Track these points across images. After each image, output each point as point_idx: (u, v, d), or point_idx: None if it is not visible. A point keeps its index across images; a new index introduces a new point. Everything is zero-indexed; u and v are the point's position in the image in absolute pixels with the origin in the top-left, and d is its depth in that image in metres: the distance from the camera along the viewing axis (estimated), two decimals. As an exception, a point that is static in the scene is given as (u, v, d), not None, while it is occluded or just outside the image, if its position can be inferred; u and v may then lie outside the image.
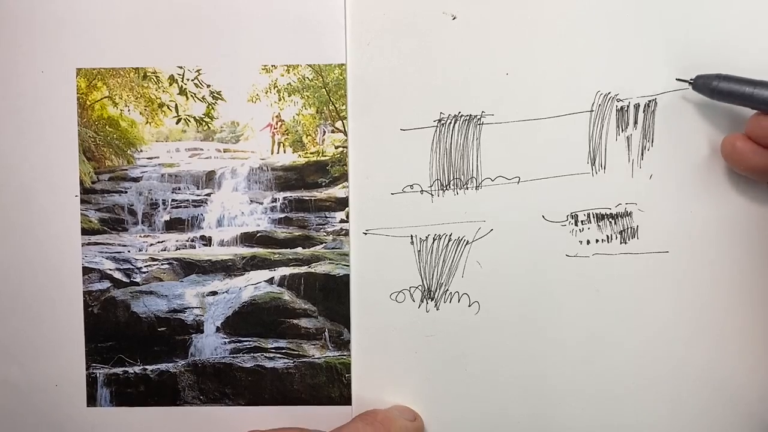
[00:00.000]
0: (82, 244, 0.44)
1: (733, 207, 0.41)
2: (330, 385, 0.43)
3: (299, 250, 0.43)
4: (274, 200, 0.44)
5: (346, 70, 0.42)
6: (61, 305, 0.44)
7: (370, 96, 0.42)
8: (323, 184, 0.43)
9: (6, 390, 0.44)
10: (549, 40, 0.41)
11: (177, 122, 0.44)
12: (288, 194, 0.44)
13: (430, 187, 0.42)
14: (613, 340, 0.42)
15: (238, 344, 0.43)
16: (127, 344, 0.44)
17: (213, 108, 0.43)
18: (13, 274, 0.44)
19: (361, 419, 0.39)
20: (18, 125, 0.43)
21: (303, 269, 0.43)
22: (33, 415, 0.44)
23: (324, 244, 0.43)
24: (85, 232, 0.44)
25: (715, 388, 0.41)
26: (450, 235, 0.42)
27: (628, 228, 0.41)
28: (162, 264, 0.44)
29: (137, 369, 0.44)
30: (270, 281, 0.43)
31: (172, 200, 0.44)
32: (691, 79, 0.39)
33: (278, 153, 0.44)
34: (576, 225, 0.42)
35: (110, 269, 0.44)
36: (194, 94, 0.43)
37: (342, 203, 0.43)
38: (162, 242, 0.44)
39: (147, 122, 0.44)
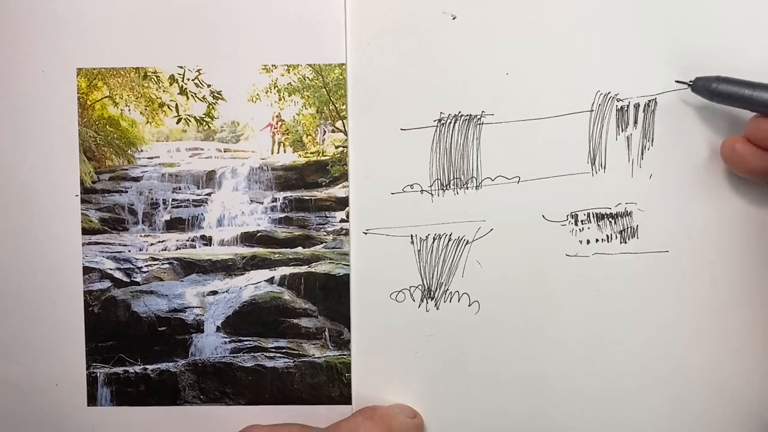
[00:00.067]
0: (83, 244, 0.44)
1: (733, 207, 0.41)
2: (330, 385, 0.43)
3: (299, 249, 0.43)
4: (275, 200, 0.44)
5: (346, 70, 0.42)
6: (61, 305, 0.44)
7: (370, 96, 0.42)
8: (323, 183, 0.43)
9: (6, 389, 0.44)
10: (549, 40, 0.41)
11: (177, 122, 0.44)
12: (288, 194, 0.44)
13: (430, 186, 0.42)
14: (613, 340, 0.42)
15: (239, 344, 0.43)
16: (128, 344, 0.44)
17: (213, 108, 0.43)
18: (13, 274, 0.44)
19: (361, 414, 0.39)
20: (18, 125, 0.43)
21: (303, 269, 0.43)
22: (33, 414, 0.44)
23: (324, 244, 0.43)
24: (85, 231, 0.44)
25: (715, 388, 0.41)
26: (450, 234, 0.42)
27: (628, 228, 0.41)
28: (162, 263, 0.44)
29: (138, 368, 0.44)
30: (270, 281, 0.43)
31: (173, 200, 0.44)
32: (690, 81, 0.39)
33: (278, 153, 0.44)
34: (576, 225, 0.42)
35: (111, 269, 0.44)
36: (194, 93, 0.43)
37: (342, 203, 0.43)
38: (162, 242, 0.44)
39: (147, 122, 0.44)
